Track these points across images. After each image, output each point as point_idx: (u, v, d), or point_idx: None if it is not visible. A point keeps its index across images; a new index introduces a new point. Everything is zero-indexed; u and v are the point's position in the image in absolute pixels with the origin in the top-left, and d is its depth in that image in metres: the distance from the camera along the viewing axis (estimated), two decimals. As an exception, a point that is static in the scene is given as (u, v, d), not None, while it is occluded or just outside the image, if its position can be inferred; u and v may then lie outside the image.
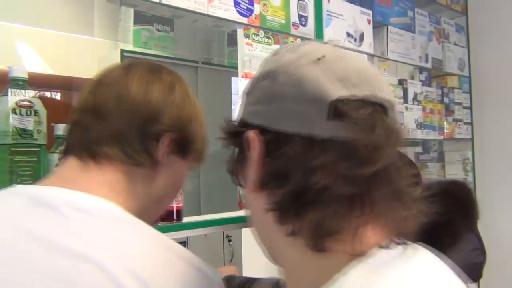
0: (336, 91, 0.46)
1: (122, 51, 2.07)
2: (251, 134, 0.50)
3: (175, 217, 1.11)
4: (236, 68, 1.39)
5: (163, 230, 1.04)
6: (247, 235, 1.75)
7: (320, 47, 0.52)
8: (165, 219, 1.09)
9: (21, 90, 0.93)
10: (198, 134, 0.75)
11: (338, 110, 0.45)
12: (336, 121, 0.45)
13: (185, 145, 0.73)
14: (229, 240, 3.00)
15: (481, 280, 2.08)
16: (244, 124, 0.53)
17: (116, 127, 0.66)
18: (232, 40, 2.84)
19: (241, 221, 1.31)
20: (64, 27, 1.82)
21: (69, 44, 1.88)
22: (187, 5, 1.16)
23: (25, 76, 0.94)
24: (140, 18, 2.13)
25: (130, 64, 0.73)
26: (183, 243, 1.25)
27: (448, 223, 1.00)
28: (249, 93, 0.55)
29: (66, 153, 0.69)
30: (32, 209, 0.58)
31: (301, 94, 0.47)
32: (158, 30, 2.35)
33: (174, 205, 1.10)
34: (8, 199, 0.61)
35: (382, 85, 0.50)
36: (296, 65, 0.49)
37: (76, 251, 0.52)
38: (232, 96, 1.53)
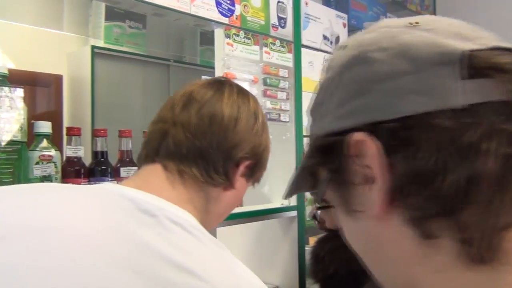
0: (460, 44, 0.34)
1: (93, 47, 2.03)
2: (358, 136, 0.35)
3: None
4: (209, 67, 1.39)
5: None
6: (220, 234, 1.76)
7: (398, 20, 0.41)
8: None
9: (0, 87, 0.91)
10: (266, 159, 0.80)
11: (476, 65, 0.33)
12: (480, 80, 0.33)
13: (256, 170, 0.78)
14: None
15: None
16: (333, 134, 0.38)
17: (205, 148, 0.69)
18: (204, 38, 2.83)
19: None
20: (30, 19, 1.77)
21: (35, 38, 1.83)
22: (169, 3, 1.16)
23: (5, 72, 0.92)
24: (111, 14, 2.10)
25: (220, 82, 0.77)
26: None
27: None
28: (322, 102, 0.41)
29: (148, 158, 0.71)
30: (137, 214, 0.57)
31: (415, 60, 0.35)
32: (130, 27, 2.31)
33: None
34: (112, 198, 0.59)
35: (494, 38, 0.38)
36: (389, 37, 0.37)
37: (185, 266, 0.52)
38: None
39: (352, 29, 1.83)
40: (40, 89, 2.02)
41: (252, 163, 0.74)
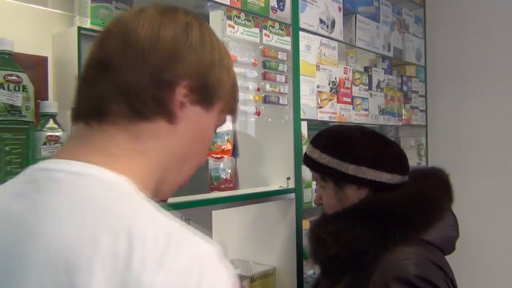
0: None
1: (79, 28, 1.98)
2: None
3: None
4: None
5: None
6: (216, 215, 1.77)
7: None
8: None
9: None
10: (223, 80, 0.66)
11: None
12: None
13: (207, 94, 0.64)
14: (188, 223, 3.00)
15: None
16: None
17: (124, 79, 0.59)
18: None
19: (220, 202, 1.33)
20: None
21: (17, 14, 1.77)
22: (173, -17, 1.14)
23: (12, 49, 0.90)
24: (97, -6, 2.05)
25: (142, 8, 0.65)
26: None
27: (437, 200, 1.08)
28: None
29: (75, 119, 0.62)
30: (22, 185, 0.55)
31: None
32: (116, 8, 2.26)
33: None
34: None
35: None
36: None
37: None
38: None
39: (347, 13, 1.83)
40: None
41: (195, 84, 0.62)
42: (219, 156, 1.68)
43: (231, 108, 0.70)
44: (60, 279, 0.46)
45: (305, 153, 1.20)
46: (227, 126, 1.67)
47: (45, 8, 1.88)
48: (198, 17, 0.66)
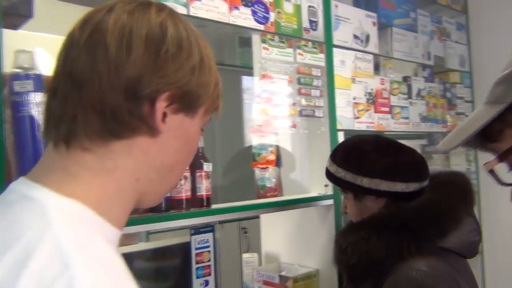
0: None
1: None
2: None
3: (205, 204, 1.25)
4: (247, 67, 1.52)
5: (193, 215, 1.20)
6: (265, 224, 1.90)
7: None
8: (195, 205, 1.24)
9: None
10: (206, 83, 0.61)
11: None
12: None
13: (191, 101, 0.60)
14: (245, 232, 3.16)
15: (484, 255, 2.31)
16: None
17: (96, 96, 0.54)
18: (243, 41, 2.98)
19: (264, 207, 1.46)
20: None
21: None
22: (211, 16, 1.31)
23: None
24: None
25: (110, 6, 0.58)
26: (212, 230, 1.39)
27: (452, 209, 1.11)
28: None
29: (45, 137, 0.59)
30: None
31: None
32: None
33: (204, 193, 1.25)
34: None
35: None
36: None
37: None
38: (243, 94, 1.67)
39: (382, 26, 1.92)
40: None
41: (175, 93, 0.57)
42: (264, 166, 1.82)
43: (215, 107, 0.66)
44: None
45: (326, 167, 1.27)
46: (271, 139, 1.80)
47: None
48: (172, 12, 0.61)
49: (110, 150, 0.56)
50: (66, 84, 0.55)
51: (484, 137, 0.62)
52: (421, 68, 2.14)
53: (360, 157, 1.19)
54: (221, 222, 3.21)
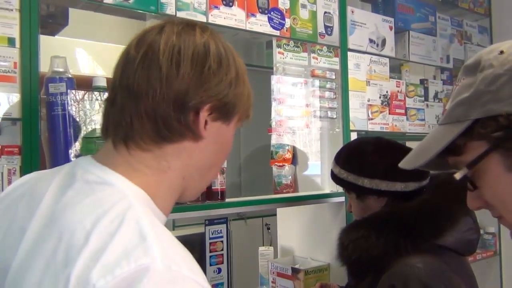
0: None
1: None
2: None
3: (219, 197, 1.36)
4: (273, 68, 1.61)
5: (208, 207, 1.31)
6: (281, 220, 1.99)
7: None
8: (210, 198, 1.35)
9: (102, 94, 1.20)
10: (240, 95, 0.71)
11: None
12: None
13: (228, 111, 0.70)
14: (268, 228, 3.26)
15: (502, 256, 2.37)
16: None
17: (150, 106, 0.64)
18: (270, 43, 3.08)
19: (274, 202, 1.56)
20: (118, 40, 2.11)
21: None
22: (229, 23, 1.41)
23: (105, 84, 1.21)
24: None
25: (160, 27, 0.68)
26: (225, 222, 1.50)
27: (447, 208, 1.14)
28: (487, 91, 0.63)
29: (104, 138, 0.69)
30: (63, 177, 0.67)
31: None
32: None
33: (219, 187, 1.36)
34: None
35: None
36: None
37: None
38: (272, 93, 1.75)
39: (399, 30, 1.97)
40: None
41: (216, 104, 0.67)
42: (281, 164, 1.91)
43: (247, 114, 0.76)
44: (58, 250, 0.56)
45: (331, 169, 1.33)
46: (288, 139, 1.89)
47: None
48: (213, 32, 0.70)
49: (164, 152, 0.66)
50: (123, 95, 0.65)
51: (448, 153, 0.68)
52: (440, 71, 2.18)
53: (361, 159, 1.24)
54: (244, 218, 3.32)
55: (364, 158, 1.24)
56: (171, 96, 0.64)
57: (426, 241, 1.10)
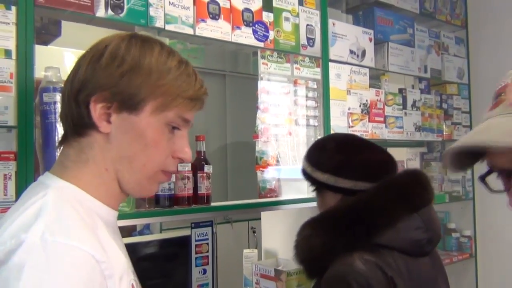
0: None
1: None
2: None
3: (205, 201, 1.42)
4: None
5: (194, 211, 1.37)
6: (265, 223, 2.06)
7: None
8: (196, 202, 1.41)
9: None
10: (142, 84, 0.73)
11: None
12: None
13: (126, 100, 0.72)
14: (254, 232, 3.33)
15: (478, 260, 2.44)
16: None
17: (63, 106, 0.77)
18: (256, 52, 3.16)
19: (258, 206, 1.62)
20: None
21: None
22: (215, 35, 1.48)
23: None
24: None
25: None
26: (210, 225, 1.57)
27: (383, 207, 1.12)
28: None
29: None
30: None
31: None
32: (191, 43, 2.68)
33: (204, 192, 1.42)
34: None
35: None
36: None
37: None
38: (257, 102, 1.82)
39: (379, 42, 2.06)
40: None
41: (105, 95, 0.72)
42: (265, 169, 1.98)
43: (167, 106, 0.75)
44: None
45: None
46: (273, 146, 1.96)
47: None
48: (119, 38, 0.76)
49: (81, 145, 0.75)
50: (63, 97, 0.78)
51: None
52: (418, 80, 2.27)
53: (319, 153, 1.25)
54: (230, 222, 3.38)
55: (322, 152, 1.25)
56: (72, 94, 0.74)
57: (361, 240, 1.09)
